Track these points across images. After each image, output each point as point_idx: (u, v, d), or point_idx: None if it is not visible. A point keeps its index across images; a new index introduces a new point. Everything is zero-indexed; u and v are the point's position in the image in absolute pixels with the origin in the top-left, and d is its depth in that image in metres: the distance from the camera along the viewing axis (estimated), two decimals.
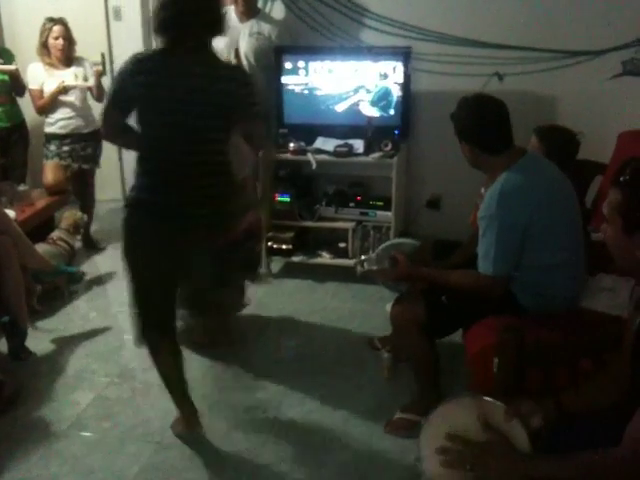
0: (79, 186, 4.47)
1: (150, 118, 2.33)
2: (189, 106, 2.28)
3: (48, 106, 4.16)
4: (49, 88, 4.11)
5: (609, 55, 3.82)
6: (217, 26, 2.36)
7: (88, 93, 4.32)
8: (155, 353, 2.53)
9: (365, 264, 2.85)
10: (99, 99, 4.38)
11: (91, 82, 4.20)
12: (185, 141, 2.32)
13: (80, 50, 4.27)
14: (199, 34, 2.31)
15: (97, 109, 4.43)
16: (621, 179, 1.46)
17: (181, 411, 2.60)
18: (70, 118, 4.24)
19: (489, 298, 2.35)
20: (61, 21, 4.12)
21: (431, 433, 1.67)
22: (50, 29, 4.09)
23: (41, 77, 4.11)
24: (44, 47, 4.12)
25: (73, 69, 4.19)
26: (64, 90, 4.11)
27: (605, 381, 1.71)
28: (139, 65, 2.29)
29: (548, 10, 3.84)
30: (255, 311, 3.64)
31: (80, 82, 4.16)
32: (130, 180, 5.37)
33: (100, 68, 4.23)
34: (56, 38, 4.11)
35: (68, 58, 4.18)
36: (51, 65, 4.13)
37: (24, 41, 4.84)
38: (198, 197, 2.35)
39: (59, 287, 3.73)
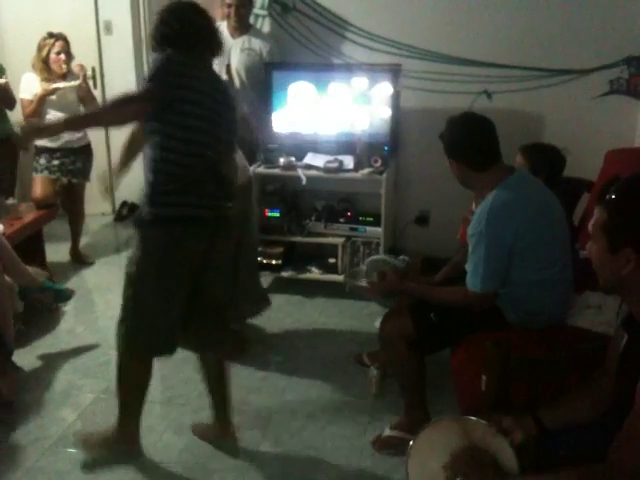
0: (68, 200, 4.46)
1: None
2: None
3: (36, 112, 4.13)
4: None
5: (597, 74, 3.87)
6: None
7: (80, 107, 4.33)
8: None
9: (354, 277, 2.85)
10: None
11: (77, 82, 4.18)
12: None
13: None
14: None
15: None
16: (606, 198, 1.46)
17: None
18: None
19: (476, 314, 2.36)
20: (62, 36, 4.13)
21: (417, 459, 1.67)
22: (52, 44, 4.09)
23: (35, 88, 4.09)
24: (44, 62, 4.11)
25: (64, 81, 4.18)
26: (51, 92, 4.09)
27: (587, 397, 1.72)
28: None
29: (537, 29, 3.88)
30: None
31: (67, 84, 4.14)
32: (122, 195, 5.39)
33: (89, 73, 4.22)
34: (58, 53, 4.11)
35: (64, 72, 4.18)
36: (48, 80, 4.12)
37: (13, 55, 4.84)
38: None
39: (42, 302, 3.64)
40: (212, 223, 2.36)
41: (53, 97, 4.13)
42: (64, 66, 4.14)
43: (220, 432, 2.63)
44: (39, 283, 3.39)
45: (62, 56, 4.12)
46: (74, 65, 4.23)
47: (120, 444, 2.53)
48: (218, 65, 3.78)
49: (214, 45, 2.42)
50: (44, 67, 4.11)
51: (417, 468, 1.64)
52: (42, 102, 4.11)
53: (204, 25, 2.38)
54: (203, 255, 2.37)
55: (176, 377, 3.13)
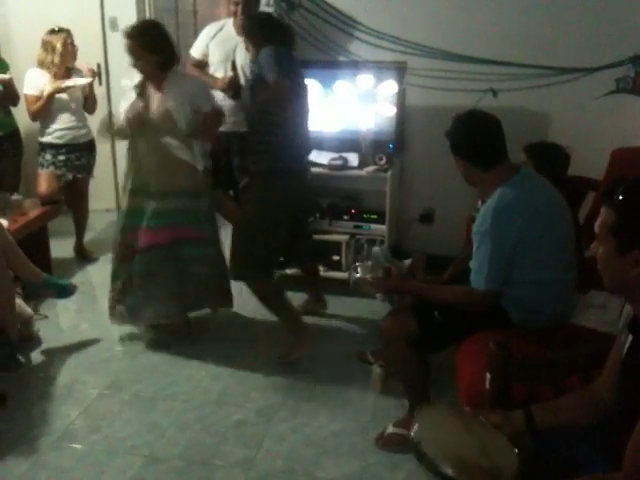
0: (73, 196, 4.46)
1: None
2: None
3: (44, 109, 4.12)
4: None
5: (603, 72, 3.85)
6: None
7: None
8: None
9: (359, 270, 2.81)
10: (91, 110, 4.36)
11: (86, 81, 4.19)
12: None
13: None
14: None
15: (92, 120, 4.45)
16: (614, 198, 1.44)
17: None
18: (69, 129, 4.23)
19: (480, 313, 2.35)
20: (67, 31, 4.13)
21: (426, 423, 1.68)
22: (66, 37, 4.09)
23: (41, 84, 4.08)
24: (61, 56, 4.08)
25: (74, 78, 4.18)
26: (61, 90, 4.09)
27: (582, 401, 1.70)
28: None
29: (543, 27, 3.87)
30: (246, 323, 3.63)
31: (77, 81, 4.14)
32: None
33: (93, 69, 4.26)
34: (72, 44, 4.13)
35: (69, 68, 4.18)
36: (54, 75, 4.10)
37: (19, 51, 4.85)
38: None
39: (45, 297, 3.63)
40: (304, 174, 3.32)
41: (64, 95, 4.12)
42: (73, 59, 4.15)
43: (316, 303, 3.74)
44: (43, 278, 3.38)
45: (69, 48, 4.12)
46: (83, 65, 4.23)
47: (299, 336, 3.29)
48: (223, 63, 3.81)
49: (294, 38, 3.27)
50: (60, 61, 4.08)
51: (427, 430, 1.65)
52: (51, 101, 4.10)
53: (285, 23, 3.40)
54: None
55: (179, 374, 3.15)
